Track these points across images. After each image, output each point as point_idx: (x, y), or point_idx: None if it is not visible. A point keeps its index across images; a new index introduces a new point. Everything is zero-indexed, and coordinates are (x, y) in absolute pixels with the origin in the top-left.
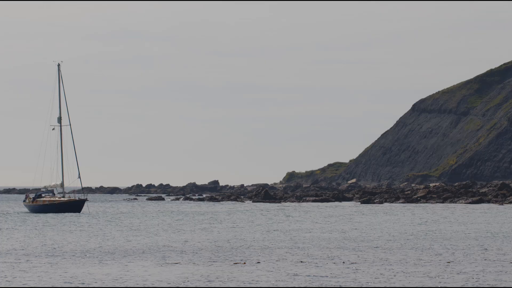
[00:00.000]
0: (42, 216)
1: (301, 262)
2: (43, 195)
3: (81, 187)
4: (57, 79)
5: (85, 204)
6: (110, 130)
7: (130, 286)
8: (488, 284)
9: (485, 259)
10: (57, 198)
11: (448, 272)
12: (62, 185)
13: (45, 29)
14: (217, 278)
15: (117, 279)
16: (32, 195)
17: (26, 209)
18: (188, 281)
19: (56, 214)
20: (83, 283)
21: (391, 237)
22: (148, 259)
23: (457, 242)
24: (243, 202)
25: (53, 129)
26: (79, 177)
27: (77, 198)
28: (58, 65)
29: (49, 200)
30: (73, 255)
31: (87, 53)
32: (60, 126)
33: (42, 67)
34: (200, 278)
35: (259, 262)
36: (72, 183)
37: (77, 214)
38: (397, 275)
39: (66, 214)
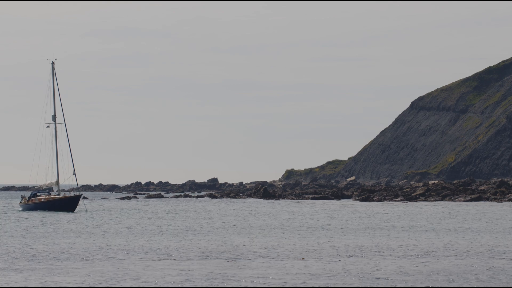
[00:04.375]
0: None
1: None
2: (38, 194)
3: (76, 185)
4: (51, 77)
5: (82, 201)
6: (109, 127)
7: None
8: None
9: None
10: (52, 196)
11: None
12: (57, 183)
13: (43, 27)
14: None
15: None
16: (27, 195)
17: (21, 209)
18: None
19: (51, 212)
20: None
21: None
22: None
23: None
24: (244, 198)
25: (47, 126)
26: (74, 173)
27: (71, 195)
28: (52, 63)
29: (44, 198)
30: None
31: (86, 50)
32: (55, 124)
33: (39, 65)
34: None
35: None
36: (67, 180)
37: (75, 211)
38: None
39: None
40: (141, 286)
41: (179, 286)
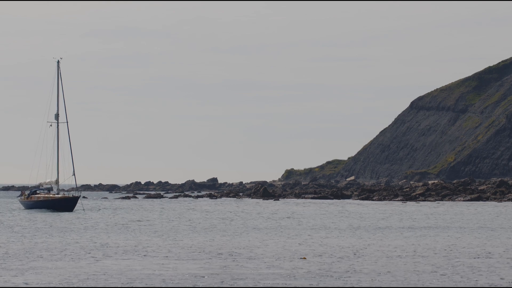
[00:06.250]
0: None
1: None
2: (38, 191)
3: (75, 185)
4: (55, 76)
5: (80, 201)
6: (109, 127)
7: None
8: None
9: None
10: (51, 195)
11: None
12: (56, 182)
13: (43, 27)
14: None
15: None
16: (27, 192)
17: (20, 205)
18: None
19: (50, 211)
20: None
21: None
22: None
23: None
24: (243, 198)
25: (50, 125)
26: (74, 174)
27: (70, 196)
28: (58, 62)
29: (43, 197)
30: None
31: (86, 50)
32: (57, 123)
33: (40, 65)
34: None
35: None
36: (67, 180)
37: (72, 211)
38: None
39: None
40: (135, 286)
41: (180, 286)
